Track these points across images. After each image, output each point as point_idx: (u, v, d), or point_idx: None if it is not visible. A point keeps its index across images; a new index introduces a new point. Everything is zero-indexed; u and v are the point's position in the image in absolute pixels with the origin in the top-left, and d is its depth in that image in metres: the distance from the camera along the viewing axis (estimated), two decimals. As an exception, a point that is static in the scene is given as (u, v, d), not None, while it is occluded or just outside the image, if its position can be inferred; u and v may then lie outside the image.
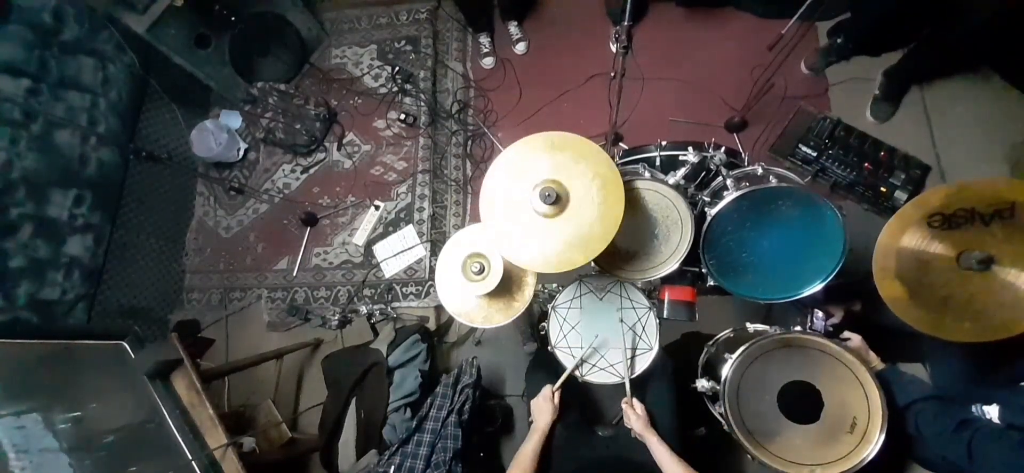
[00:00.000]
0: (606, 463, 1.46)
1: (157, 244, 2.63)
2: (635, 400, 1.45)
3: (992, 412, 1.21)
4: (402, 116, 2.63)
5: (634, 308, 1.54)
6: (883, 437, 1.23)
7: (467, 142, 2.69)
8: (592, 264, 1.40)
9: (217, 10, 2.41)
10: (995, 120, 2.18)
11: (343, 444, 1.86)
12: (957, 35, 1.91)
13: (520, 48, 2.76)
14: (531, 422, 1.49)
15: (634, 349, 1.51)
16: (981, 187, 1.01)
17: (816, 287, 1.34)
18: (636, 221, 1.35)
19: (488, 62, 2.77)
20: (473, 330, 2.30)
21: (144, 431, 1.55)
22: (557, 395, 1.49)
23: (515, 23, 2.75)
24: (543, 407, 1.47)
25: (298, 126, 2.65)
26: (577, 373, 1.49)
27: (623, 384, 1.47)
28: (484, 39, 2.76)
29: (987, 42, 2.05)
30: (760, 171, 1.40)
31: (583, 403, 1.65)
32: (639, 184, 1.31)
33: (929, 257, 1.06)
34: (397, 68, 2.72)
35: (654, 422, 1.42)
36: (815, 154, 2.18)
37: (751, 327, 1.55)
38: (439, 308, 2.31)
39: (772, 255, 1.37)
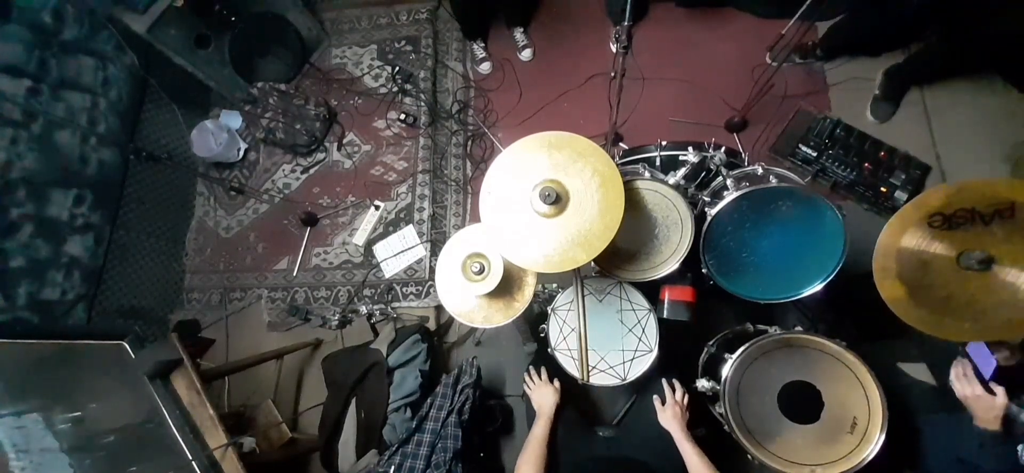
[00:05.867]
0: (607, 463, 1.46)
1: (157, 244, 2.63)
2: (678, 392, 1.47)
3: None
4: (402, 116, 2.63)
5: (634, 310, 1.54)
6: (883, 437, 1.23)
7: (467, 142, 2.69)
8: (592, 265, 1.39)
9: (217, 10, 2.41)
10: (995, 120, 2.18)
11: (343, 444, 1.86)
12: (970, 42, 1.90)
13: (526, 55, 2.74)
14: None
15: (634, 351, 1.50)
16: (981, 187, 1.01)
17: (816, 287, 1.33)
18: (636, 221, 1.34)
19: (485, 67, 2.77)
20: (473, 330, 2.30)
21: (144, 431, 1.54)
22: (546, 374, 1.56)
23: (521, 30, 2.73)
24: (543, 391, 1.53)
25: (298, 126, 2.65)
26: (579, 376, 1.49)
27: (623, 385, 1.47)
28: (478, 46, 2.76)
29: (1001, 49, 2.04)
30: (760, 171, 1.40)
31: (583, 403, 1.65)
32: (639, 184, 1.31)
33: (929, 257, 1.06)
34: (397, 68, 2.72)
35: (654, 423, 1.42)
36: (815, 154, 2.18)
37: (751, 327, 1.55)
38: (439, 308, 2.31)
39: (772, 255, 1.37)
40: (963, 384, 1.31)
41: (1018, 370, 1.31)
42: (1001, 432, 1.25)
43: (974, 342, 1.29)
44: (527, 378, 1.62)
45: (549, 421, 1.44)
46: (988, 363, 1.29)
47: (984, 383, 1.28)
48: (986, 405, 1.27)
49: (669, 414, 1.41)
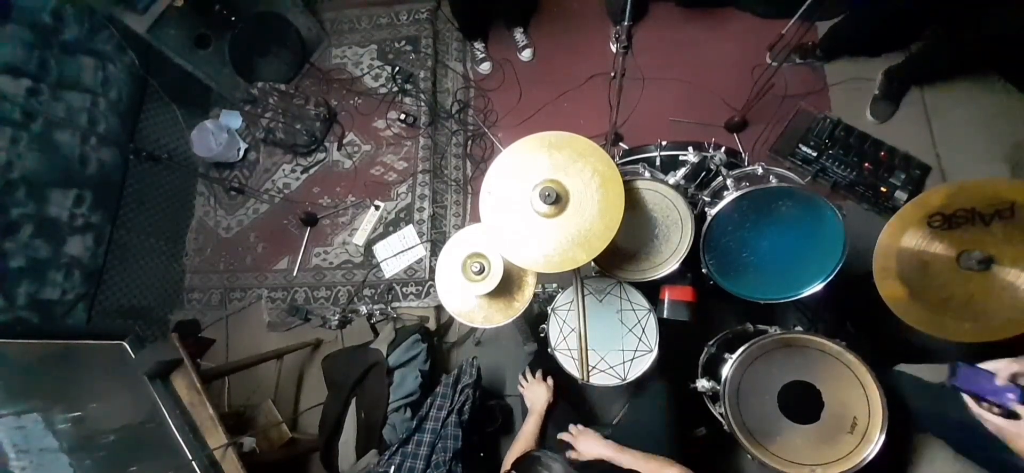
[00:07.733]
0: (605, 463, 1.46)
1: (157, 244, 2.63)
2: (574, 428, 1.44)
3: None
4: (402, 116, 2.63)
5: (634, 310, 1.54)
6: (883, 437, 1.23)
7: (467, 142, 2.69)
8: (592, 265, 1.40)
9: (217, 10, 2.41)
10: (995, 120, 2.17)
11: (343, 444, 1.86)
12: (970, 42, 1.90)
13: (526, 55, 2.74)
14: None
15: (634, 351, 1.51)
16: (981, 187, 1.01)
17: (816, 287, 1.34)
18: (636, 221, 1.35)
19: (485, 67, 2.77)
20: (473, 330, 2.30)
21: (144, 431, 1.54)
22: (540, 374, 1.57)
23: (521, 30, 2.73)
24: (536, 389, 1.55)
25: (298, 126, 2.65)
26: (579, 376, 1.50)
27: (623, 385, 1.47)
28: (479, 46, 2.76)
29: (1001, 49, 2.03)
30: (760, 171, 1.40)
31: (580, 404, 1.66)
32: (639, 184, 1.31)
33: (929, 257, 1.06)
34: (397, 68, 2.72)
35: (653, 424, 1.42)
36: (815, 154, 2.18)
37: (751, 327, 1.55)
38: (439, 308, 2.31)
39: (772, 255, 1.37)
40: (987, 420, 1.07)
41: None
42: None
43: (964, 371, 1.06)
44: (521, 379, 1.63)
45: (540, 418, 1.47)
46: (1004, 392, 1.02)
47: (1002, 409, 1.04)
48: (1013, 434, 1.04)
49: (581, 442, 1.37)
